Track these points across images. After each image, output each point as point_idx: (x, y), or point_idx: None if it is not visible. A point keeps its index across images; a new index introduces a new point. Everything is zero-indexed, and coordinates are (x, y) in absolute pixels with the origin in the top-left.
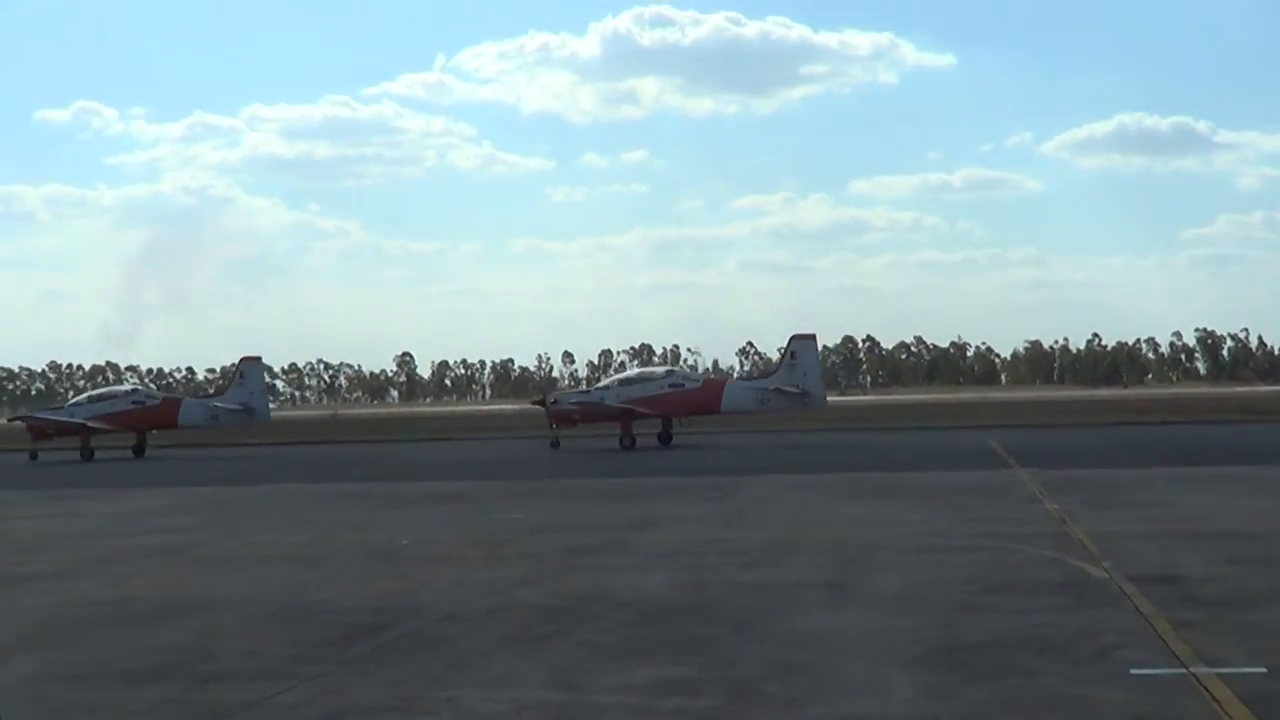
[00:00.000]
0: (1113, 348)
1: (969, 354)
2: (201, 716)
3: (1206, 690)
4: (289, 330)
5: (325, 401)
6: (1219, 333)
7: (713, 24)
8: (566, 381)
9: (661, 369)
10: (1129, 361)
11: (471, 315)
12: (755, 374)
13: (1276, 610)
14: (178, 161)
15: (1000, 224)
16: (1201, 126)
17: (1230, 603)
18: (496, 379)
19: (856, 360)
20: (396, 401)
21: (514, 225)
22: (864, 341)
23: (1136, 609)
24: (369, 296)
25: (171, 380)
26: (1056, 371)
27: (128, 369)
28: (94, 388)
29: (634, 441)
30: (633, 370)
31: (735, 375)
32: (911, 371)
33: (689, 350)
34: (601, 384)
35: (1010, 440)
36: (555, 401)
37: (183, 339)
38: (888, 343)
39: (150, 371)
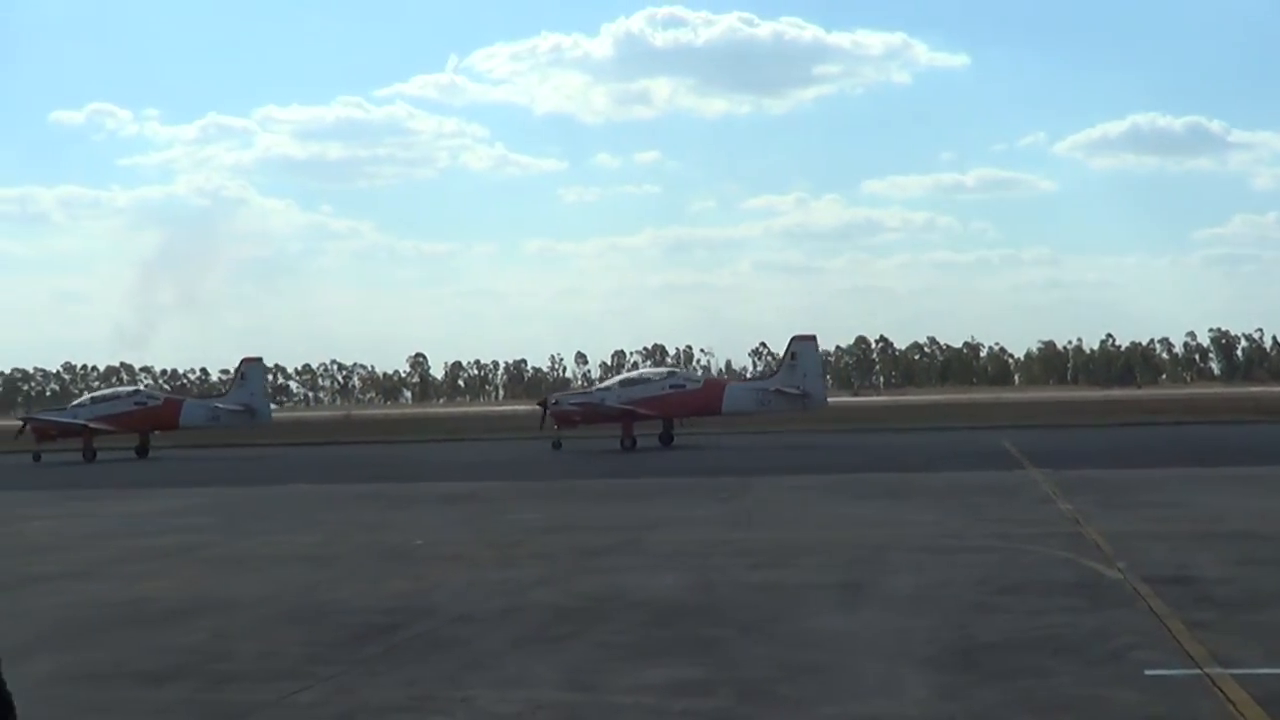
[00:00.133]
0: (1126, 348)
1: (982, 354)
2: (216, 717)
3: (1221, 691)
4: (302, 331)
5: (339, 402)
6: (1233, 333)
7: (725, 24)
8: (579, 382)
9: (662, 370)
10: (1143, 362)
11: (484, 316)
12: (767, 374)
13: None
14: (191, 163)
15: (1013, 224)
16: (1215, 126)
17: (1244, 604)
18: (510, 380)
19: (869, 361)
20: (410, 402)
21: (527, 226)
22: (877, 342)
23: (1151, 610)
24: (382, 297)
25: (185, 381)
26: (1070, 372)
27: (142, 370)
28: (108, 388)
29: (635, 442)
30: (633, 371)
31: (748, 375)
32: (925, 372)
33: (702, 351)
34: (603, 385)
35: (1023, 441)
36: (556, 402)
37: (196, 340)
38: (901, 343)
39: (164, 372)
